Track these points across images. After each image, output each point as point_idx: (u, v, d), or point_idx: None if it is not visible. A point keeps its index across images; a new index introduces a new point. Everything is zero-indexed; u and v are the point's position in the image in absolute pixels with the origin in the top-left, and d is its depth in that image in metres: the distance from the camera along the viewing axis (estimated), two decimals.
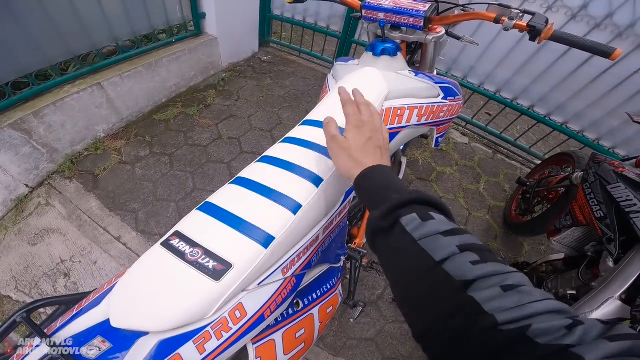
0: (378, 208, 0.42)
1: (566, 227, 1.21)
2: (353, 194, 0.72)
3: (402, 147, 1.43)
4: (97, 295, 0.47)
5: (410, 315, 0.36)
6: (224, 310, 0.44)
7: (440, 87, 0.90)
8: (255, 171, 0.58)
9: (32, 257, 1.38)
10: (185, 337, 0.42)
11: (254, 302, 0.47)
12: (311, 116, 0.72)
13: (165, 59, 1.99)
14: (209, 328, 0.43)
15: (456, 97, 0.98)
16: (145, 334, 0.42)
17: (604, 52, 0.71)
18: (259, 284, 0.48)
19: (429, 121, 0.89)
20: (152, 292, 0.43)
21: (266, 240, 0.47)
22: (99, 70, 1.74)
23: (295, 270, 0.54)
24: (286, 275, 0.52)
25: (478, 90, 2.21)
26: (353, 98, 0.59)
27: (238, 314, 0.45)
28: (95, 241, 1.45)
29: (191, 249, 0.45)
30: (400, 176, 1.12)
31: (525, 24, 0.74)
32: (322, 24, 2.55)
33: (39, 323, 0.48)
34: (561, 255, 1.27)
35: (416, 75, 0.87)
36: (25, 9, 1.34)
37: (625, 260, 0.92)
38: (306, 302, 0.63)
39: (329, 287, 0.72)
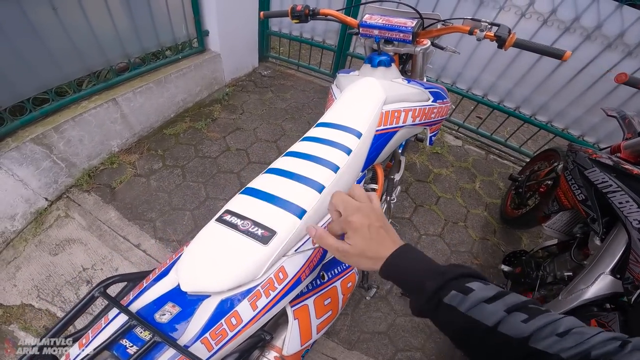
0: (414, 294, 0.45)
1: (554, 212, 1.31)
2: (362, 183, 0.83)
3: (400, 148, 1.57)
4: (163, 269, 0.57)
5: None
6: (270, 272, 0.55)
7: (429, 91, 1.04)
8: (283, 163, 0.71)
9: (54, 266, 1.45)
10: (242, 296, 0.52)
11: (292, 266, 0.58)
12: (324, 119, 0.86)
13: (173, 75, 2.11)
14: (259, 287, 0.53)
15: (444, 100, 1.12)
16: (208, 296, 0.52)
17: (556, 54, 0.82)
18: (295, 251, 0.58)
19: (422, 121, 1.02)
20: (213, 258, 0.53)
21: (300, 213, 0.58)
22: (113, 86, 1.85)
23: None
24: (315, 245, 0.63)
25: (466, 95, 2.36)
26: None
27: (281, 276, 0.56)
28: (115, 249, 1.53)
29: (242, 221, 0.56)
30: (400, 173, 1.23)
31: (493, 34, 0.86)
32: (319, 38, 2.72)
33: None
34: (555, 241, 1.36)
35: (408, 82, 1.00)
36: (46, 27, 1.43)
37: (610, 237, 0.99)
38: (330, 275, 0.74)
39: (346, 265, 0.83)
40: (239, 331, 0.51)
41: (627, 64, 1.77)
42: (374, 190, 1.00)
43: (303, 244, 0.60)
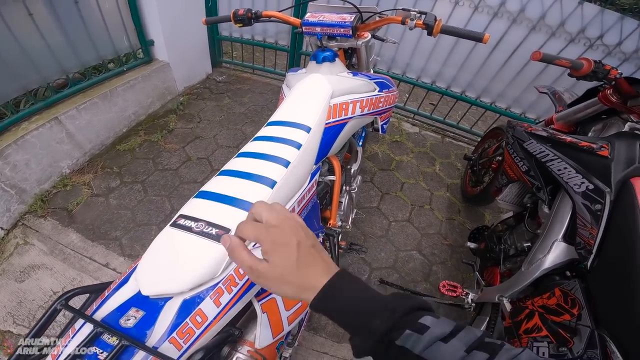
0: (359, 334, 0.37)
1: (504, 185, 1.40)
2: (317, 175, 0.87)
3: (360, 139, 1.63)
4: (122, 278, 0.57)
5: None
6: (230, 269, 0.57)
7: (375, 82, 1.09)
8: (235, 164, 0.73)
9: (23, 292, 1.38)
10: (204, 294, 0.54)
11: None
12: (273, 118, 0.88)
13: (119, 88, 2.02)
14: (220, 284, 0.55)
15: (390, 89, 1.18)
16: (170, 298, 0.53)
17: (477, 38, 0.90)
18: (254, 246, 0.61)
19: (371, 111, 1.08)
20: (171, 261, 0.54)
21: None
22: (54, 104, 1.75)
23: None
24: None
25: (417, 84, 2.48)
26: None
27: (241, 271, 0.58)
28: (83, 270, 1.47)
29: (196, 223, 0.57)
30: (358, 163, 1.28)
31: (422, 23, 0.93)
32: (271, 40, 2.73)
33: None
34: (510, 213, 1.43)
35: (354, 75, 1.05)
36: None
37: (556, 204, 1.02)
38: None
39: None
40: (205, 328, 0.53)
41: (553, 44, 1.94)
42: (332, 182, 1.04)
43: None
